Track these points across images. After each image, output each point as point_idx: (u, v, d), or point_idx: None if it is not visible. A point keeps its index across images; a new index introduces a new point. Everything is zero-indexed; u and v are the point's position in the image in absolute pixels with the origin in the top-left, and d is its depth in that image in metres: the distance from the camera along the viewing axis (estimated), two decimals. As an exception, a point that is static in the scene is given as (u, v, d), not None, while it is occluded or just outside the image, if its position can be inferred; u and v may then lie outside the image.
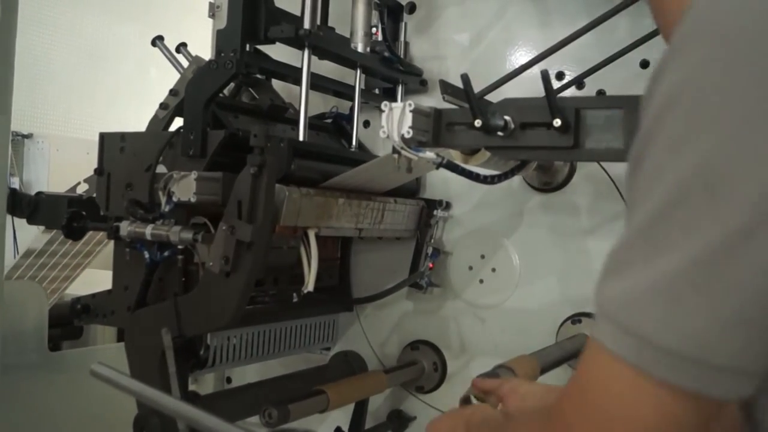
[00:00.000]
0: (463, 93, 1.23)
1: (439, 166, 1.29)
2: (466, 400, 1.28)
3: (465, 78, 1.19)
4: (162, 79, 1.86)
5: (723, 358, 0.49)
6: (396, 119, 1.22)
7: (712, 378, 0.50)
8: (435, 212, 1.88)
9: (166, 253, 1.46)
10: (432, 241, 1.89)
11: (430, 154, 1.26)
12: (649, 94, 0.53)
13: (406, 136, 1.22)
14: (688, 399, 0.51)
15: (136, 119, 1.81)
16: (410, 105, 1.22)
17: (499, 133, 1.22)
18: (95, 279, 2.36)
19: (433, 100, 1.87)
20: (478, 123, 1.21)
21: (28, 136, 4.05)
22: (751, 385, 0.51)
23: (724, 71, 0.48)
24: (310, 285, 1.52)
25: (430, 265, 1.87)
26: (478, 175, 1.43)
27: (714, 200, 0.48)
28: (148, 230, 1.42)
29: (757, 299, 0.48)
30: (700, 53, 0.50)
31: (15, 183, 3.91)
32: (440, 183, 1.91)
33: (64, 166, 3.88)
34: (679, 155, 0.50)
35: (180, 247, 1.43)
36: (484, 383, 1.18)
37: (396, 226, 1.81)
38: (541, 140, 1.22)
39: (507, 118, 1.21)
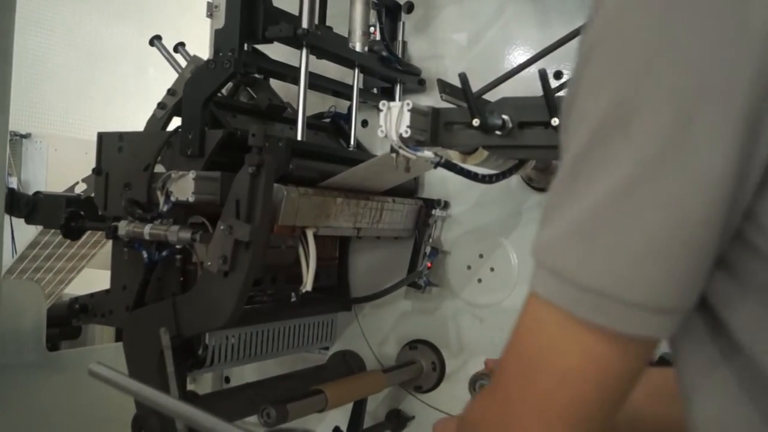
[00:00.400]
0: (461, 92, 1.23)
1: (437, 165, 1.29)
2: (474, 381, 1.30)
3: (463, 77, 1.19)
4: (160, 79, 1.86)
5: (638, 294, 0.49)
6: (394, 118, 1.22)
7: (630, 315, 0.50)
8: (433, 212, 1.88)
9: (164, 253, 1.46)
10: (430, 240, 1.89)
11: (428, 153, 1.26)
12: (579, 45, 0.56)
13: (404, 135, 1.22)
14: (610, 340, 0.51)
15: (135, 119, 1.81)
16: (408, 104, 1.22)
17: (498, 133, 1.22)
18: (94, 279, 2.36)
19: (432, 100, 1.87)
20: (476, 122, 1.21)
21: (27, 135, 4.05)
22: (671, 322, 0.51)
23: (633, 13, 0.50)
24: (308, 284, 1.52)
25: (429, 265, 1.87)
26: (476, 174, 1.43)
27: (627, 133, 0.49)
28: (147, 230, 1.42)
29: (669, 231, 0.48)
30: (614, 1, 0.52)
31: (13, 183, 3.91)
32: (438, 182, 1.91)
33: (62, 166, 3.87)
34: (597, 96, 0.52)
35: (178, 246, 1.43)
36: (496, 362, 1.19)
37: (394, 225, 1.81)
38: (539, 139, 1.22)
39: (505, 117, 1.21)
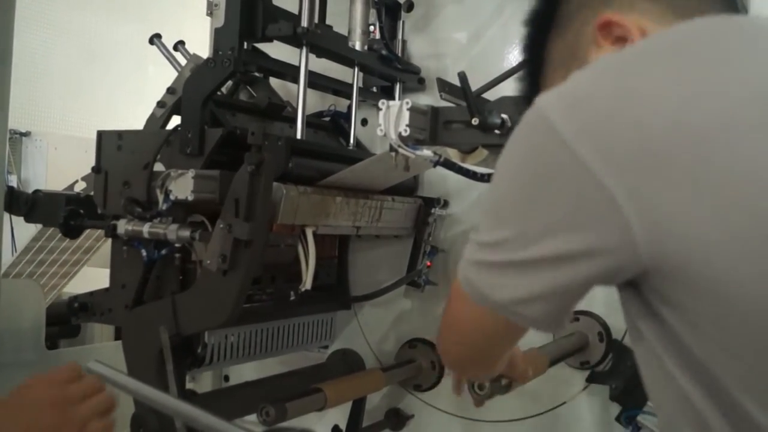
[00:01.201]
0: (461, 91, 1.23)
1: (436, 164, 1.29)
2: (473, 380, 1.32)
3: (462, 76, 1.19)
4: (160, 78, 1.86)
5: (503, 300, 0.73)
6: (393, 117, 1.22)
7: (506, 312, 0.74)
8: (432, 210, 1.88)
9: (163, 251, 1.46)
10: (430, 239, 1.89)
11: (427, 152, 1.26)
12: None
13: (404, 134, 1.22)
14: (489, 313, 0.76)
15: (135, 117, 1.81)
16: (407, 103, 1.22)
17: (497, 131, 1.22)
18: (93, 277, 2.36)
19: (431, 99, 1.87)
20: (475, 121, 1.21)
21: (26, 134, 4.05)
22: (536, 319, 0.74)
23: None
24: (307, 283, 1.52)
25: (428, 264, 1.87)
26: (475, 173, 1.43)
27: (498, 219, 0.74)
28: (146, 228, 1.42)
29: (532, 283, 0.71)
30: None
31: (13, 181, 3.91)
32: (438, 181, 1.91)
33: (62, 164, 3.87)
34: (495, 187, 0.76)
35: (177, 245, 1.43)
36: None
37: (394, 224, 1.81)
38: (538, 138, 1.22)
39: (504, 116, 1.22)
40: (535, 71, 0.90)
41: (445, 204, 1.90)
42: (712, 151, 0.61)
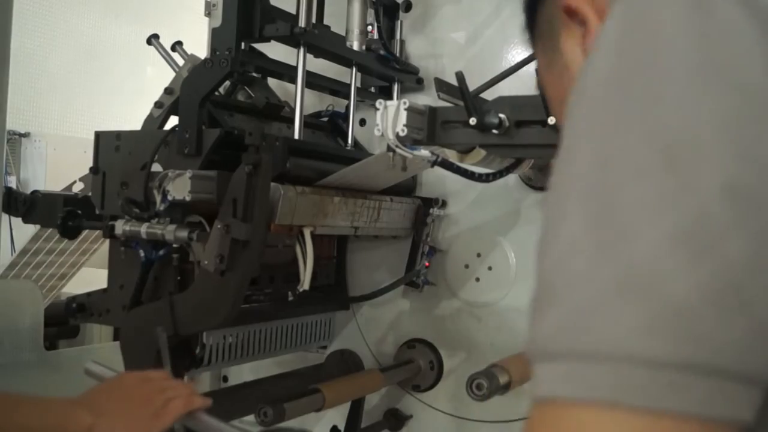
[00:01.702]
0: (458, 91, 1.23)
1: (433, 164, 1.29)
2: (471, 381, 1.30)
3: (459, 75, 1.19)
4: (159, 78, 1.86)
5: (721, 358, 0.36)
6: (390, 117, 1.22)
7: (714, 389, 0.36)
8: (431, 210, 1.87)
9: (161, 252, 1.46)
10: (428, 239, 1.88)
11: (424, 152, 1.26)
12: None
13: (401, 134, 1.22)
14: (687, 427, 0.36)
15: (134, 118, 1.81)
16: (405, 103, 1.22)
17: (494, 131, 1.22)
18: (92, 277, 2.36)
19: (430, 99, 1.87)
20: (472, 121, 1.21)
21: (26, 134, 4.05)
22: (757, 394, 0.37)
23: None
24: (305, 283, 1.52)
25: (426, 264, 1.87)
26: (473, 173, 1.43)
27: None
28: (143, 229, 1.42)
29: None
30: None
31: (12, 182, 3.91)
32: (436, 181, 1.91)
33: (61, 165, 3.87)
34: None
35: (175, 245, 1.43)
36: None
37: (392, 224, 1.81)
38: (536, 138, 1.22)
39: (502, 116, 1.21)
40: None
41: (444, 204, 1.90)
42: None
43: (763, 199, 0.37)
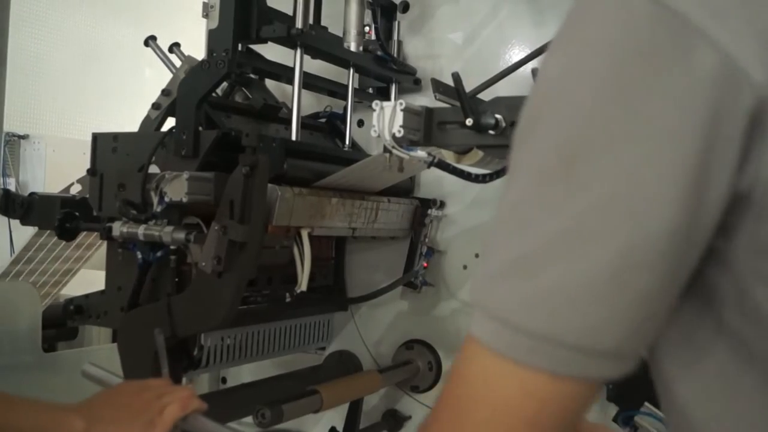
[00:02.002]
0: (455, 92, 1.23)
1: (430, 165, 1.29)
2: None
3: (455, 76, 1.19)
4: (157, 80, 1.86)
5: (576, 337, 0.48)
6: (387, 118, 1.22)
7: (567, 357, 0.49)
8: (429, 211, 1.87)
9: (158, 254, 1.46)
10: (426, 240, 1.88)
11: (421, 153, 1.26)
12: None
13: (397, 135, 1.22)
14: (546, 379, 0.50)
15: (132, 119, 1.81)
16: (401, 104, 1.22)
17: (491, 132, 1.22)
18: (91, 279, 2.36)
19: (427, 99, 1.87)
20: (469, 121, 1.21)
21: (24, 136, 4.05)
22: (612, 365, 0.50)
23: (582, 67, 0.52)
24: (303, 285, 1.52)
25: (425, 265, 1.87)
26: (469, 174, 1.43)
27: (570, 178, 0.49)
28: (141, 230, 1.42)
29: (610, 275, 0.48)
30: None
31: (11, 184, 3.91)
32: (434, 182, 1.91)
33: (60, 167, 3.87)
34: (541, 139, 0.52)
35: (173, 247, 1.43)
36: None
37: (390, 225, 1.81)
38: (532, 139, 1.21)
39: (498, 116, 1.21)
40: None
41: (442, 205, 1.90)
42: None
43: (633, 212, 0.47)
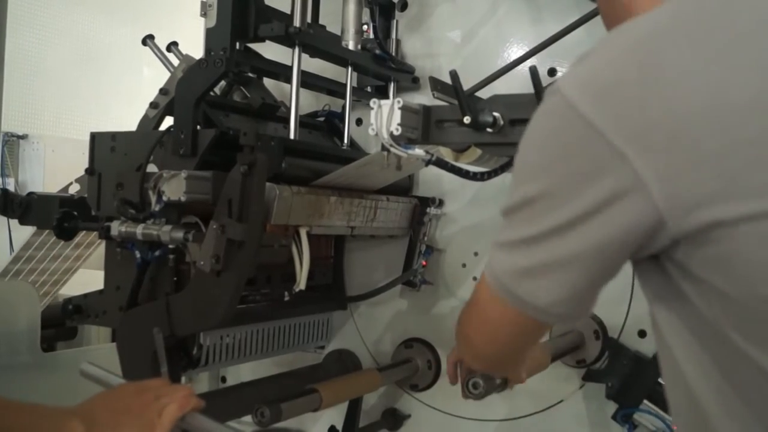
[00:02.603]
0: (453, 90, 1.22)
1: (428, 163, 1.29)
2: (468, 379, 1.31)
3: (453, 74, 1.19)
4: (155, 79, 1.86)
5: (538, 301, 0.77)
6: (385, 116, 1.22)
7: (530, 308, 0.78)
8: (428, 210, 1.87)
9: (157, 253, 1.45)
10: (425, 238, 1.88)
11: (419, 151, 1.26)
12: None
13: (395, 133, 1.22)
14: (519, 313, 0.80)
15: (131, 118, 1.81)
16: (399, 102, 1.22)
17: (489, 130, 1.22)
18: (89, 279, 2.36)
19: (426, 98, 1.86)
20: (467, 119, 1.21)
21: (23, 137, 4.05)
22: (559, 319, 0.81)
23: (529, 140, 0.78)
24: (302, 283, 1.52)
25: (424, 263, 1.87)
26: (467, 171, 1.43)
27: (536, 211, 0.75)
28: (139, 230, 1.42)
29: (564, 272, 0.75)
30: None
31: (10, 184, 3.91)
32: (433, 180, 1.91)
33: (59, 167, 3.87)
34: (528, 182, 0.77)
35: (171, 246, 1.43)
36: None
37: (389, 224, 1.81)
38: (530, 136, 1.21)
39: (496, 114, 1.21)
40: None
41: (440, 203, 1.89)
42: (739, 135, 0.64)
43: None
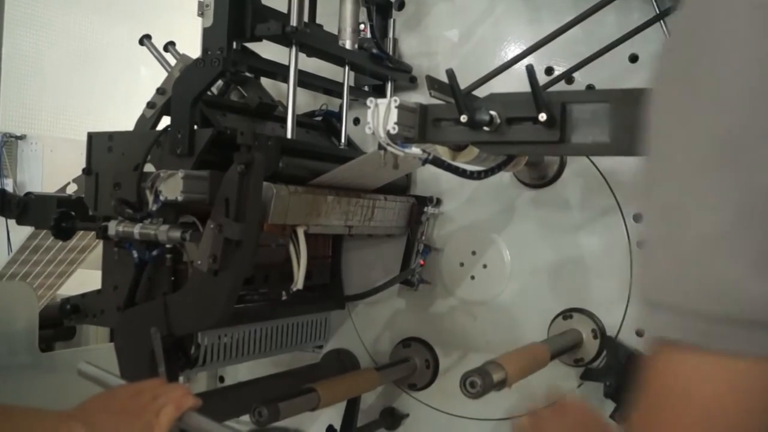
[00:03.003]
0: (450, 88, 1.22)
1: (425, 162, 1.29)
2: (465, 378, 1.30)
3: (450, 73, 1.19)
4: (152, 78, 1.85)
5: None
6: (381, 115, 1.22)
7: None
8: (425, 209, 1.87)
9: (154, 252, 1.45)
10: (423, 238, 1.88)
11: (416, 150, 1.26)
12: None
13: (392, 132, 1.21)
14: (750, 362, 0.49)
15: (128, 118, 1.81)
16: (395, 101, 1.22)
17: (486, 128, 1.22)
18: (87, 279, 2.35)
19: (423, 97, 1.86)
20: (463, 118, 1.21)
21: (22, 137, 4.05)
22: None
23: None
24: (299, 283, 1.52)
25: (421, 263, 1.87)
26: (464, 170, 1.43)
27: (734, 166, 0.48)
28: (136, 230, 1.42)
29: None
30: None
31: (8, 184, 3.91)
32: (431, 179, 1.91)
33: (57, 167, 3.87)
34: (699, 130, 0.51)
35: (168, 246, 1.43)
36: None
37: (386, 223, 1.81)
38: (527, 135, 1.21)
39: (493, 113, 1.21)
40: None
41: (438, 202, 1.89)
42: None
43: None
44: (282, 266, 1.55)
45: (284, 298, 1.56)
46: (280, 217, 1.45)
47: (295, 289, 1.52)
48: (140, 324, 1.42)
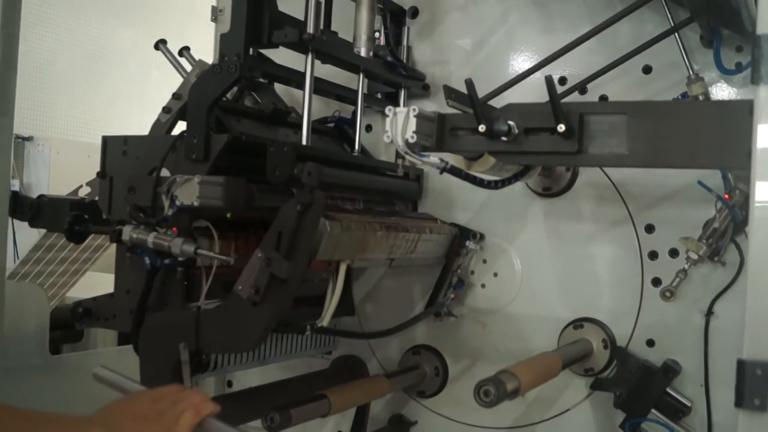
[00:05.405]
0: (467, 98, 1.23)
1: (443, 171, 1.29)
2: (479, 387, 1.29)
3: (469, 83, 1.19)
4: (164, 83, 1.86)
5: None
6: (400, 124, 1.22)
7: None
8: (467, 243, 1.85)
9: (166, 261, 1.43)
10: (458, 271, 1.86)
11: (434, 159, 1.26)
12: None
13: (410, 140, 1.22)
14: None
15: (137, 122, 1.81)
16: (414, 110, 1.22)
17: (503, 138, 1.22)
18: (96, 282, 2.36)
19: (436, 105, 1.87)
20: (482, 128, 1.21)
21: (29, 138, 4.04)
22: None
23: None
24: (325, 320, 1.50)
25: (453, 296, 1.85)
26: (482, 180, 1.43)
27: None
28: (150, 239, 1.39)
29: None
30: None
31: (15, 185, 3.91)
32: (443, 188, 1.91)
33: (64, 169, 3.88)
34: None
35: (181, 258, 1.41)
36: None
37: (427, 254, 1.78)
38: (545, 145, 1.22)
39: (511, 123, 1.21)
40: None
41: (482, 238, 1.87)
42: None
43: None
44: (320, 299, 1.54)
45: (308, 332, 1.54)
46: (328, 253, 1.43)
47: (319, 325, 1.50)
48: (167, 333, 1.40)
